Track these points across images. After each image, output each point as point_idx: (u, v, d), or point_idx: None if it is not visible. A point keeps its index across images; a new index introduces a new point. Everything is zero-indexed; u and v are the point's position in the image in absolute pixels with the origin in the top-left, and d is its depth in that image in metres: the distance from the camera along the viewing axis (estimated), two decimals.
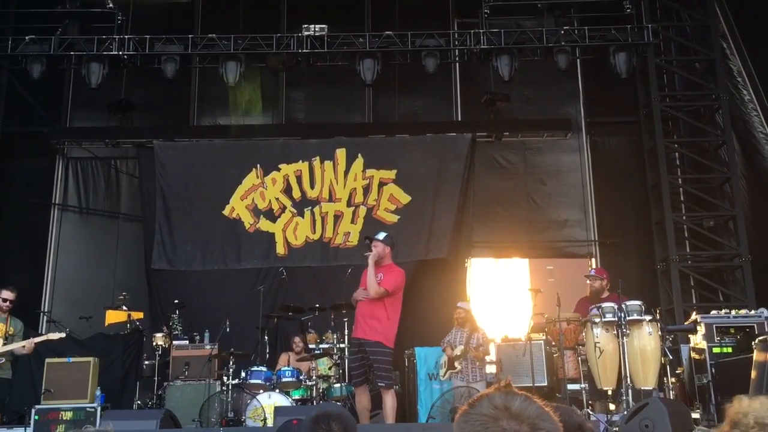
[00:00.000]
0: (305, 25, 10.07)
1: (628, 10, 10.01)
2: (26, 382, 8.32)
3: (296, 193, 10.39)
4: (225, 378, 7.62)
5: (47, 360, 8.04)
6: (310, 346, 8.53)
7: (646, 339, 6.76)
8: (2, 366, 7.28)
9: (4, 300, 7.38)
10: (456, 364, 7.72)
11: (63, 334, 7.74)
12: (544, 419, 1.42)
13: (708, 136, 11.03)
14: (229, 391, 7.51)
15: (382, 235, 6.93)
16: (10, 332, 7.36)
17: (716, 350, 7.20)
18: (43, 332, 8.71)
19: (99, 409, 7.60)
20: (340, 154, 10.49)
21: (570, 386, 7.27)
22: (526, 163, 11.59)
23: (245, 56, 10.04)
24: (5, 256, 10.92)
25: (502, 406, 1.42)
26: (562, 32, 10.05)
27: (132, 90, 11.05)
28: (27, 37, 9.88)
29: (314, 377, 7.74)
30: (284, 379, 7.67)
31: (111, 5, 10.08)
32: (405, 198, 10.30)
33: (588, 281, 7.88)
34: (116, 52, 9.88)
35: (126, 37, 9.96)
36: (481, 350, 7.76)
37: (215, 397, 7.59)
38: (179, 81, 10.48)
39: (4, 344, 7.23)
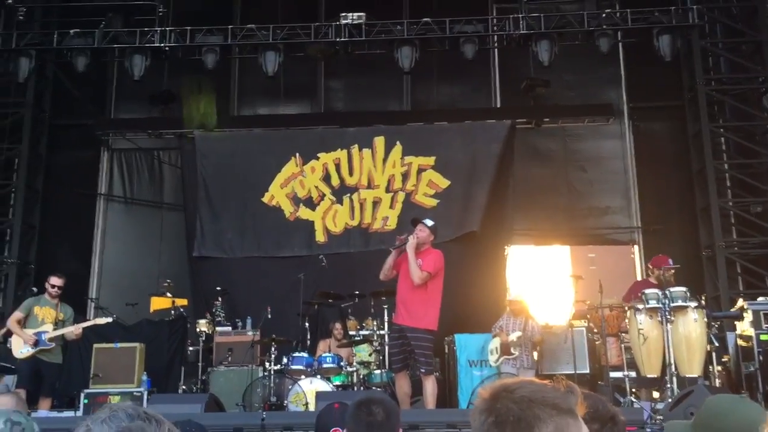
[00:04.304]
0: (343, 14, 10.09)
1: None
2: (76, 366, 8.57)
3: (335, 181, 10.43)
4: (267, 364, 7.73)
5: (95, 345, 8.28)
6: (350, 332, 8.58)
7: (692, 326, 6.65)
8: (53, 351, 7.46)
9: (53, 286, 7.56)
10: (512, 350, 7.67)
11: (110, 319, 7.93)
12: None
13: (755, 120, 10.73)
14: (272, 377, 7.61)
15: (430, 223, 6.91)
16: (60, 318, 7.54)
17: (764, 337, 7.05)
18: (91, 318, 8.91)
19: (146, 393, 7.79)
20: (379, 142, 10.49)
21: (612, 374, 7.19)
22: (566, 150, 11.47)
23: (284, 46, 10.11)
24: (54, 245, 11.23)
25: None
26: (604, 15, 9.88)
27: (173, 81, 11.21)
28: (71, 31, 10.10)
29: (354, 363, 7.80)
30: (325, 365, 7.72)
31: None
32: (444, 182, 10.23)
33: (661, 271, 7.56)
34: (158, 44, 10.03)
35: (167, 29, 10.10)
36: (539, 338, 7.76)
37: (258, 382, 7.71)
38: (219, 71, 10.59)
39: (54, 329, 7.43)
